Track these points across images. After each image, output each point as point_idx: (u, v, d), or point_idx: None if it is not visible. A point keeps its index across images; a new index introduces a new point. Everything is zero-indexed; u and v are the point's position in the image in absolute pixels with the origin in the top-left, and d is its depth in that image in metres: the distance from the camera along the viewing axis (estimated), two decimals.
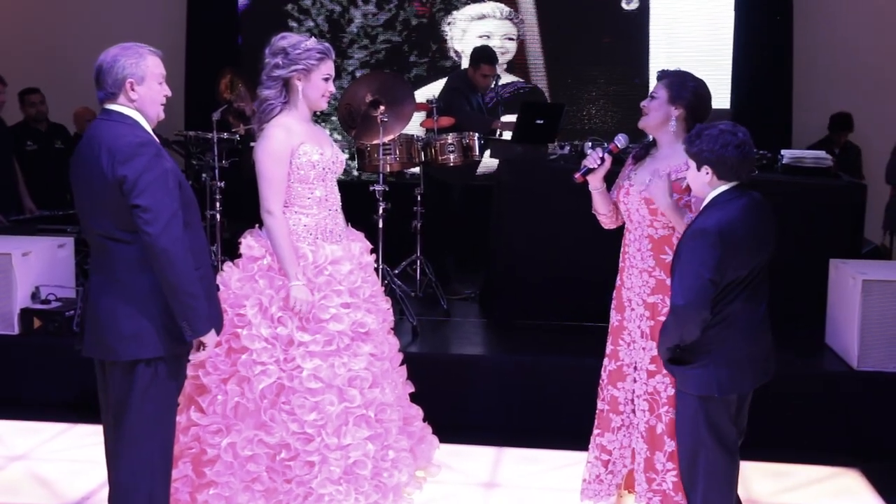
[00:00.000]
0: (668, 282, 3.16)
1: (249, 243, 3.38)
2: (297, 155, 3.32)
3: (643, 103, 3.30)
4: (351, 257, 3.43)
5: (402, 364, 3.70)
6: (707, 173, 2.93)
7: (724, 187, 2.94)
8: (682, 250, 2.91)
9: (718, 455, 2.98)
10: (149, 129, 2.90)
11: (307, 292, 3.28)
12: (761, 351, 3.03)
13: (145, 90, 2.88)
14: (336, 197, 3.47)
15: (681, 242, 2.95)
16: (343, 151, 6.77)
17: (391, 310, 3.64)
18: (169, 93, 2.96)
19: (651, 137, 3.38)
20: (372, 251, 3.59)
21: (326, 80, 3.37)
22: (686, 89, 3.23)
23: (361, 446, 3.30)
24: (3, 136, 6.31)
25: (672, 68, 3.36)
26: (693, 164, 2.97)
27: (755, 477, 4.22)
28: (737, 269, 2.89)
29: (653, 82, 3.43)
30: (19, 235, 5.55)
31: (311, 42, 3.34)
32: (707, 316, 2.87)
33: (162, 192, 2.78)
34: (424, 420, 3.75)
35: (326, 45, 3.38)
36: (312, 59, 3.32)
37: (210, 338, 2.93)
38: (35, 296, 5.13)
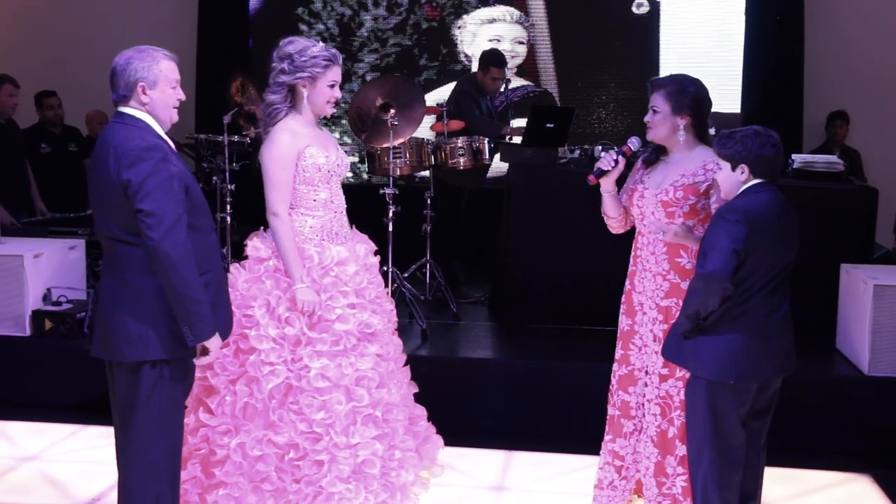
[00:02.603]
0: (683, 286, 3.17)
1: (256, 245, 3.40)
2: (303, 158, 3.34)
3: (646, 118, 3.29)
4: (356, 258, 3.44)
5: (406, 365, 3.71)
6: (743, 172, 2.99)
7: (753, 182, 3.01)
8: (709, 231, 2.99)
9: (718, 461, 3.01)
10: (161, 132, 2.91)
11: (312, 293, 3.29)
12: (779, 348, 3.07)
13: (157, 94, 2.88)
14: (341, 199, 3.48)
15: (708, 226, 3.02)
16: (353, 155, 6.80)
17: (395, 310, 3.65)
18: (183, 97, 2.97)
19: None
20: (376, 253, 3.60)
21: (332, 86, 3.37)
22: (686, 96, 3.22)
23: (370, 445, 3.31)
24: (16, 139, 6.34)
25: (666, 75, 3.36)
26: (726, 165, 3.01)
27: (766, 482, 4.18)
28: (760, 256, 2.93)
29: None
30: (31, 237, 5.58)
31: (318, 49, 3.34)
32: (728, 287, 2.92)
33: (166, 197, 2.78)
34: (430, 420, 3.75)
35: (333, 51, 3.38)
36: (318, 66, 3.33)
37: (213, 343, 2.92)
38: (46, 297, 5.15)
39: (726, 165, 3.01)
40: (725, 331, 2.98)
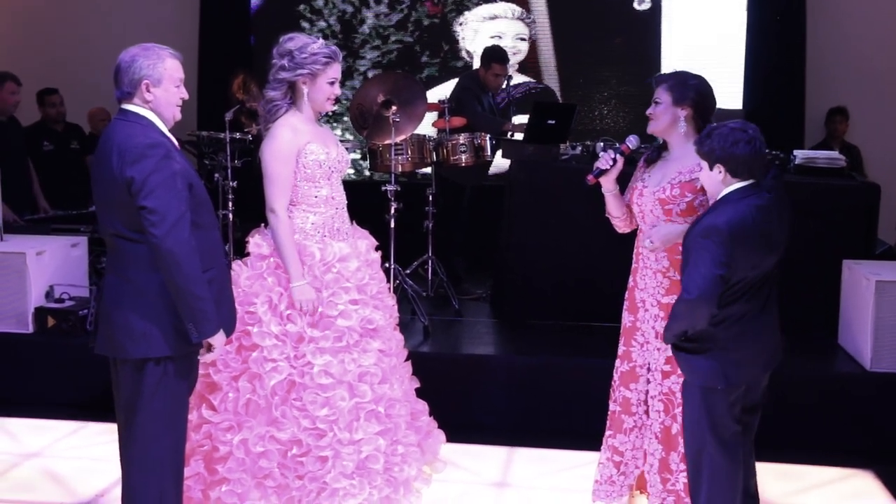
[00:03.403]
0: None
1: (257, 242, 3.41)
2: (304, 154, 3.34)
3: (649, 111, 3.30)
4: (358, 254, 3.45)
5: (407, 360, 3.71)
6: (720, 172, 2.94)
7: (737, 185, 2.94)
8: (693, 247, 2.91)
9: (720, 457, 3.00)
10: (164, 129, 2.92)
11: (310, 291, 3.29)
12: (765, 347, 3.05)
13: (161, 92, 2.89)
14: (342, 195, 3.48)
15: (690, 238, 2.95)
16: (354, 151, 6.81)
17: (396, 306, 3.66)
18: (186, 95, 2.97)
19: (661, 140, 3.38)
20: (378, 249, 3.61)
21: (332, 83, 3.37)
22: (688, 88, 3.23)
23: (373, 441, 3.32)
24: (18, 136, 6.35)
25: (669, 71, 3.36)
26: (705, 164, 2.98)
27: (767, 478, 4.20)
28: (746, 269, 2.90)
29: None
30: (33, 235, 5.59)
31: (318, 45, 3.34)
32: (715, 311, 2.89)
33: (169, 195, 2.79)
34: (431, 416, 3.76)
35: (333, 48, 3.38)
36: (318, 63, 3.32)
37: (217, 340, 2.93)
38: (49, 295, 5.16)
39: (705, 165, 2.99)
40: (711, 336, 2.95)
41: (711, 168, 2.95)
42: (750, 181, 2.94)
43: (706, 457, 3.01)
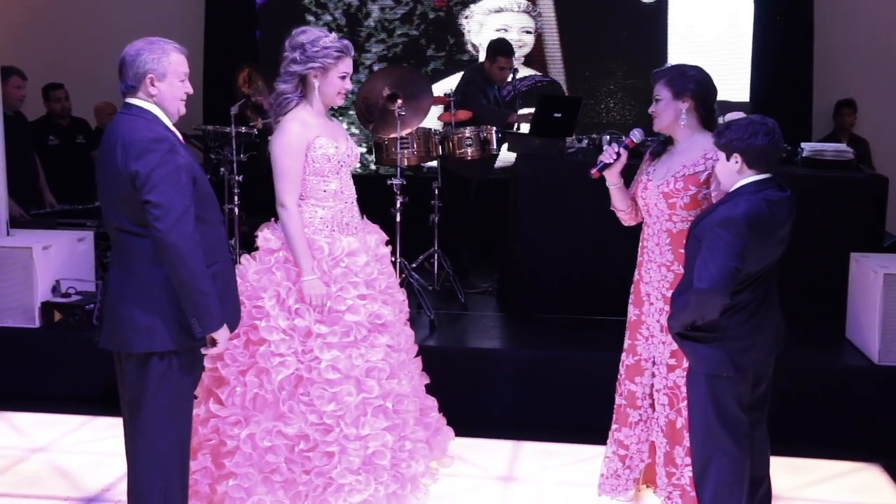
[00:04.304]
0: None
1: (266, 236, 3.41)
2: (313, 148, 3.34)
3: (651, 109, 3.29)
4: (367, 249, 3.45)
5: (417, 355, 3.71)
6: (737, 162, 2.93)
7: (752, 178, 2.93)
8: (708, 236, 2.90)
9: (727, 445, 2.99)
10: (169, 124, 2.92)
11: (320, 285, 3.29)
12: (769, 333, 3.04)
13: (166, 86, 2.88)
14: (351, 189, 3.48)
15: (701, 228, 2.94)
16: (360, 145, 6.80)
17: (406, 301, 3.65)
18: (190, 90, 2.97)
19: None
20: (387, 243, 3.60)
21: (343, 78, 3.37)
22: (688, 80, 3.22)
23: (380, 437, 3.32)
24: (23, 130, 6.35)
25: (666, 66, 3.35)
26: (722, 155, 2.97)
27: (775, 471, 4.17)
28: (757, 262, 2.89)
29: None
30: (40, 229, 5.60)
31: (330, 39, 3.34)
32: (727, 302, 2.88)
33: (173, 189, 2.78)
34: (440, 411, 3.76)
35: (345, 42, 3.38)
36: (330, 57, 3.32)
37: (221, 334, 2.93)
38: (55, 289, 5.17)
39: (722, 156, 2.98)
40: (718, 325, 2.94)
41: (728, 158, 2.95)
42: (765, 175, 2.93)
43: (713, 445, 3.00)
